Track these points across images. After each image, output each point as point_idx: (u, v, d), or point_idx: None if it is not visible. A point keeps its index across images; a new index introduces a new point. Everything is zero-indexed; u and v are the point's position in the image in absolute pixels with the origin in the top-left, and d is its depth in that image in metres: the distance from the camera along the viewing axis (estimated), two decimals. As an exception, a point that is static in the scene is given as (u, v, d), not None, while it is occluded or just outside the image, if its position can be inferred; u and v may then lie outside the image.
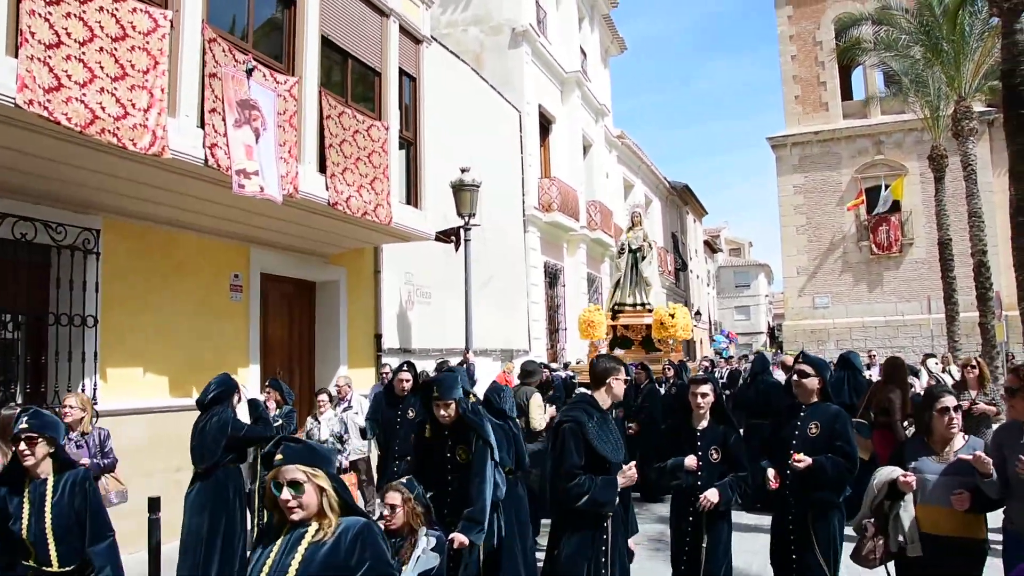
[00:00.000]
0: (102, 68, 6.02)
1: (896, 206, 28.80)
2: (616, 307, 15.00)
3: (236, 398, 6.63)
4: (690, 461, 4.93)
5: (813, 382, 4.99)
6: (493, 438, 4.87)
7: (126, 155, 6.41)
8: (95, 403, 7.19)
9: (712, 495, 4.79)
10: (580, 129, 23.12)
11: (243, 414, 6.81)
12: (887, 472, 4.37)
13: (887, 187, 28.24)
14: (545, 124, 21.41)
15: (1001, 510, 4.36)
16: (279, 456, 2.59)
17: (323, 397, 8.80)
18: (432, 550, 4.01)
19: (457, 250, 12.84)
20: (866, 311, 29.63)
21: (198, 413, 6.34)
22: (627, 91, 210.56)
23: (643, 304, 14.73)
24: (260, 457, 2.51)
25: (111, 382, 7.72)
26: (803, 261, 30.80)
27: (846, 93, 31.94)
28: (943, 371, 12.72)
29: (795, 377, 5.15)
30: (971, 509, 4.07)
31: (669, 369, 11.33)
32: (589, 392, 4.53)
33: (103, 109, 5.99)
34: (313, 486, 2.57)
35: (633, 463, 4.33)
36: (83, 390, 7.25)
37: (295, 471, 2.56)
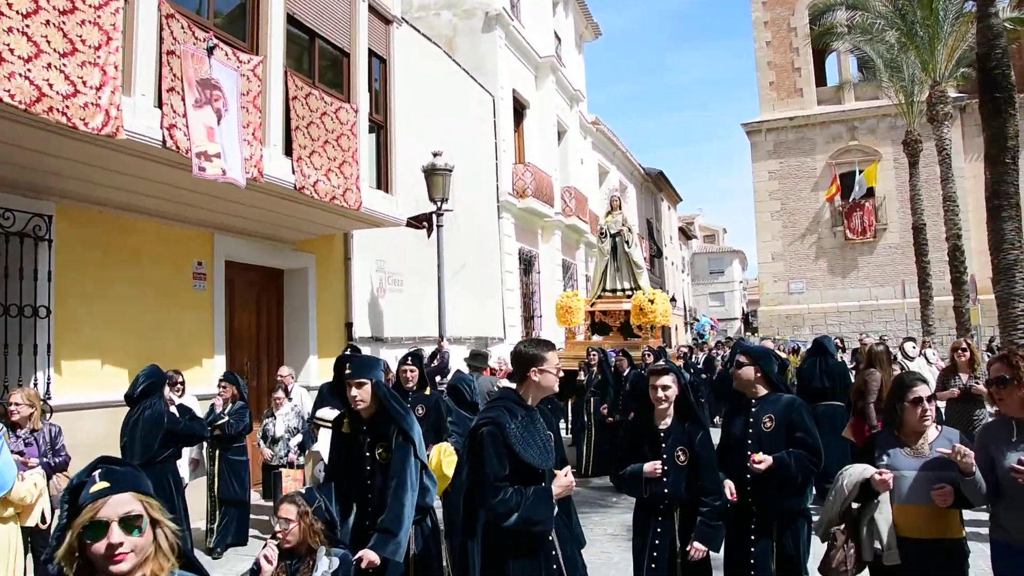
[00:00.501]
0: (49, 43, 5.67)
1: (870, 192, 28.90)
2: (603, 293, 14.85)
3: (175, 391, 6.35)
4: (650, 467, 4.31)
5: (748, 372, 4.53)
6: (418, 433, 4.22)
7: (77, 136, 6.06)
8: (48, 398, 6.88)
9: (701, 546, 4.20)
10: (555, 115, 22.87)
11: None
12: (858, 471, 3.92)
13: (861, 172, 28.31)
14: (519, 109, 21.13)
15: (986, 516, 3.99)
16: (104, 484, 1.83)
17: (279, 393, 8.47)
18: (335, 573, 3.46)
19: (429, 236, 12.57)
20: (840, 296, 29.76)
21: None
22: (600, 81, 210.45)
23: (632, 289, 14.54)
24: (68, 490, 1.85)
25: (66, 375, 7.37)
26: (778, 247, 30.85)
27: (820, 79, 31.98)
28: (919, 354, 12.67)
29: (732, 369, 4.74)
30: (952, 504, 3.74)
31: (649, 355, 11.17)
32: (514, 386, 3.87)
33: (51, 86, 5.64)
34: (150, 521, 1.85)
35: (568, 468, 3.67)
36: (35, 384, 6.91)
37: (131, 501, 1.82)
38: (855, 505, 3.96)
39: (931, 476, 3.75)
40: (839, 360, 9.92)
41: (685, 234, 52.80)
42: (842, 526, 3.98)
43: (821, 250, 30.20)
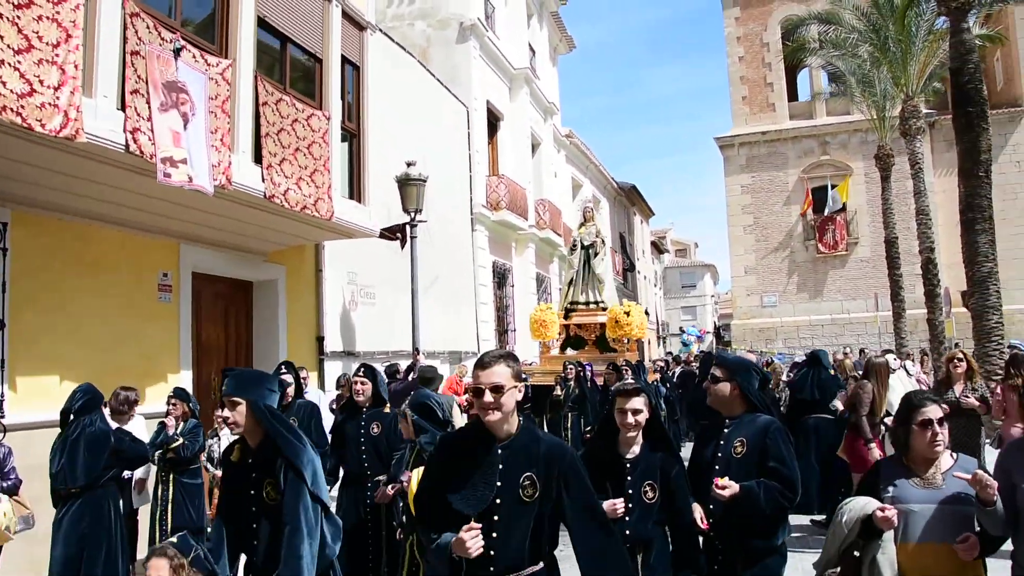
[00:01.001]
0: (2, 38, 5.36)
1: (842, 206, 29.15)
2: (569, 306, 14.53)
3: (127, 413, 5.94)
4: (610, 505, 3.62)
5: (724, 388, 3.97)
6: (313, 467, 3.47)
7: (34, 138, 5.75)
8: (0, 416, 6.50)
9: None
10: (528, 127, 22.74)
11: None
12: (859, 506, 3.38)
13: (834, 187, 28.53)
14: (493, 121, 20.96)
15: (1008, 553, 3.45)
16: None
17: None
18: None
19: (403, 247, 12.31)
20: (812, 310, 29.88)
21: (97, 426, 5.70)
22: (574, 94, 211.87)
23: (596, 302, 14.28)
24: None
25: (22, 391, 6.98)
26: (751, 261, 30.93)
27: (792, 95, 32.23)
28: (899, 367, 12.60)
29: (707, 383, 4.13)
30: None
31: (626, 370, 10.96)
32: None
33: (4, 85, 5.33)
34: None
35: (475, 526, 2.80)
36: (-13, 401, 6.54)
37: None
38: (858, 542, 3.45)
39: (945, 511, 3.27)
40: (832, 374, 9.81)
41: (657, 248, 52.93)
42: (838, 569, 3.47)
43: (794, 264, 30.33)
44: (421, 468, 4.93)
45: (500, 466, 2.88)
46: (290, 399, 6.21)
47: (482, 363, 2.91)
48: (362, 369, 6.48)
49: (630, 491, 3.73)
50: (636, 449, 3.83)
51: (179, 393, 7.29)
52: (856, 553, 3.41)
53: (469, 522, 2.82)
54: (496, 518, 2.86)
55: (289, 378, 6.27)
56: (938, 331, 17.33)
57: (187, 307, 9.17)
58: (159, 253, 8.73)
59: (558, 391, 11.55)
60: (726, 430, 3.97)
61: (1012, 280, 22.24)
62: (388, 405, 6.50)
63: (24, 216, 7.06)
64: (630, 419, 3.76)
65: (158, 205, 7.86)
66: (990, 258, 12.22)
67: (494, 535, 2.84)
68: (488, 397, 2.83)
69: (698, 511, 3.84)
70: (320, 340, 11.84)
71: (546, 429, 13.06)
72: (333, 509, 3.79)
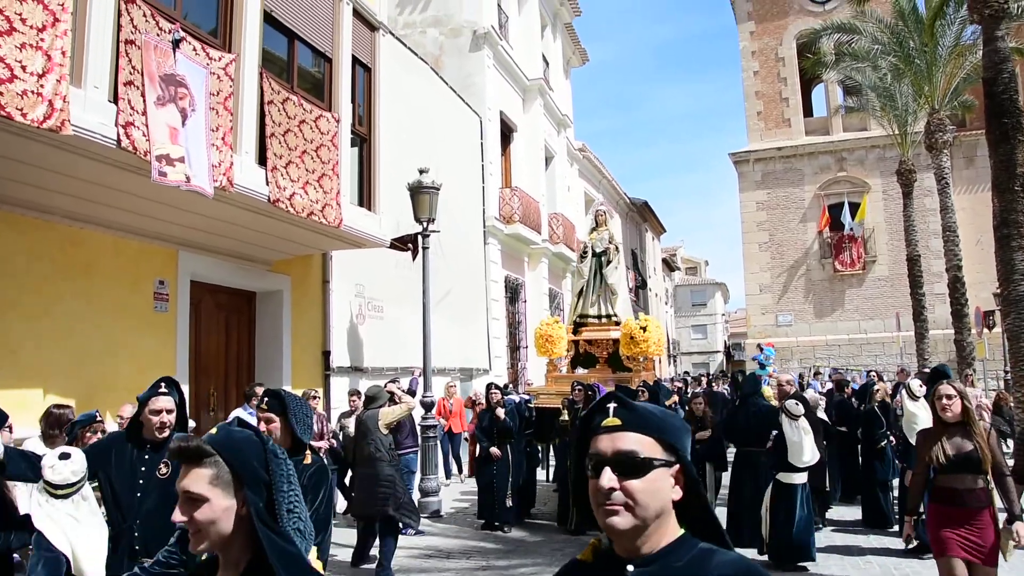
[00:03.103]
0: (-20, 18, 4.90)
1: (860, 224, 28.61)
2: (579, 319, 13.58)
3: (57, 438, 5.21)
4: None
5: (658, 484, 1.56)
6: None
7: (14, 128, 5.27)
8: (-25, 431, 5.96)
9: None
10: (542, 139, 22.26)
11: None
12: None
13: (855, 207, 27.97)
14: (506, 132, 20.49)
15: None
16: None
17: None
18: None
19: (415, 259, 11.78)
20: (829, 329, 29.22)
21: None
22: (582, 112, 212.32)
23: (608, 316, 13.35)
24: None
25: (2, 405, 6.47)
26: (766, 279, 30.32)
27: (808, 110, 31.75)
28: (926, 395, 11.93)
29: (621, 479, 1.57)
30: None
31: (643, 392, 10.30)
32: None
33: (-20, 68, 4.87)
34: None
35: None
36: (-38, 415, 6.00)
37: None
38: None
39: None
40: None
41: (668, 266, 52.36)
42: None
43: (810, 282, 29.71)
44: None
45: None
46: (168, 432, 4.03)
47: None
48: (265, 398, 4.07)
49: None
50: None
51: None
52: None
53: None
54: None
55: (168, 402, 4.06)
56: (966, 352, 16.69)
57: (184, 318, 8.66)
58: (155, 259, 8.23)
59: (565, 416, 10.79)
60: None
61: (1038, 301, 21.56)
62: (308, 452, 4.00)
63: (7, 215, 6.57)
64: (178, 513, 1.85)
65: (154, 208, 7.37)
66: (1027, 276, 11.65)
67: None
68: None
69: None
70: (326, 355, 11.30)
71: (552, 456, 12.35)
72: None
